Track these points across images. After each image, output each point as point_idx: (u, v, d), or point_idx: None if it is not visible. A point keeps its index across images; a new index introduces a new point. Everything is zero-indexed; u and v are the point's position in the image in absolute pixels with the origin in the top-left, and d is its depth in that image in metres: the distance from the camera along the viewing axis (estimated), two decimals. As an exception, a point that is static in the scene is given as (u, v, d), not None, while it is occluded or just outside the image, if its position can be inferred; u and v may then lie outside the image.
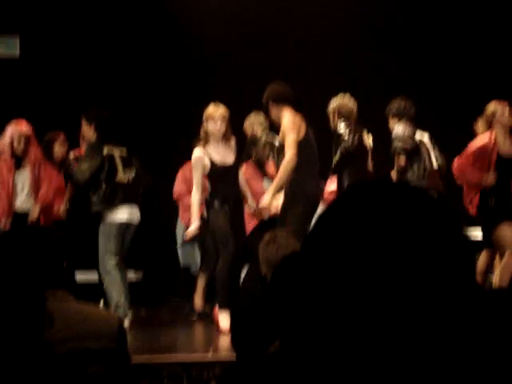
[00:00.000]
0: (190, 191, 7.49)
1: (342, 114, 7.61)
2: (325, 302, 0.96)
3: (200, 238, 7.62)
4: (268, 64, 9.55)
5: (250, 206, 7.60)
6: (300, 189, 6.81)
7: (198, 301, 7.74)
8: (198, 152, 7.22)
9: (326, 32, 9.91)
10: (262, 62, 9.61)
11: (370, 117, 7.84)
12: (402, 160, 7.47)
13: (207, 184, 7.26)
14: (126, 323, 6.71)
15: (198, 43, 9.87)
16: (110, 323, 2.95)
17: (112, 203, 7.27)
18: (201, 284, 7.75)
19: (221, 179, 7.17)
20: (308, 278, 0.98)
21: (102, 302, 7.61)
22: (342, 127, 7.53)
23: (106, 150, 7.37)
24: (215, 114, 7.18)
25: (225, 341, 6.40)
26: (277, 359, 1.02)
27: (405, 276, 0.95)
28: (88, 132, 7.51)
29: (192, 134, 7.55)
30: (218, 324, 7.02)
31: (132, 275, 8.89)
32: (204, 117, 7.21)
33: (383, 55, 9.88)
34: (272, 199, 6.86)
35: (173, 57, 10.07)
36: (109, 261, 7.24)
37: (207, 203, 7.27)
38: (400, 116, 7.64)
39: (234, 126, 7.52)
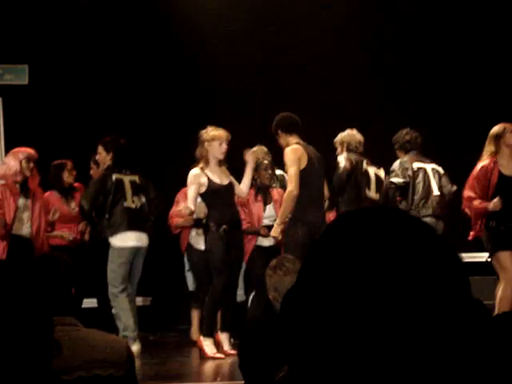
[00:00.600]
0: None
1: (350, 146, 7.84)
2: (325, 330, 0.96)
3: (195, 268, 7.66)
4: (269, 95, 9.63)
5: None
6: (300, 217, 7.03)
7: (195, 334, 7.80)
8: (195, 170, 7.26)
9: (334, 61, 9.97)
10: (261, 92, 9.69)
11: (381, 150, 7.96)
12: (392, 193, 7.66)
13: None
14: (135, 349, 6.71)
15: (206, 72, 9.95)
16: (118, 350, 2.95)
17: (119, 229, 7.29)
18: (196, 316, 7.83)
19: (218, 200, 7.21)
20: (305, 308, 0.98)
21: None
22: (342, 158, 7.74)
23: (114, 176, 7.41)
24: (222, 136, 7.22)
25: (233, 368, 6.38)
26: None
27: (401, 301, 0.95)
28: (105, 159, 7.59)
29: (190, 160, 7.58)
30: (203, 351, 7.12)
31: (140, 301, 8.88)
32: (205, 139, 7.21)
33: (392, 85, 9.94)
34: (280, 230, 7.15)
35: (179, 85, 10.13)
36: (117, 286, 7.25)
37: (204, 227, 7.30)
38: (406, 148, 7.73)
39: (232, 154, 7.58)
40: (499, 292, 6.71)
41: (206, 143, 7.21)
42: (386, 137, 8.03)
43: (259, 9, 10.17)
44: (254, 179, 7.90)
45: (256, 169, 7.80)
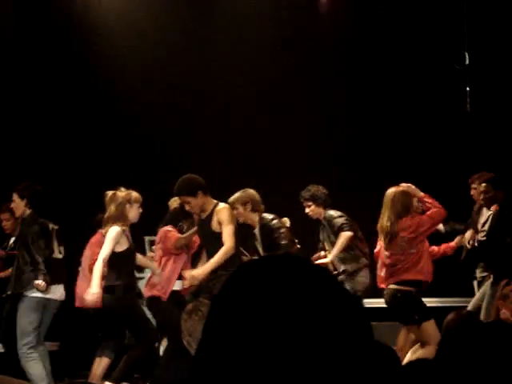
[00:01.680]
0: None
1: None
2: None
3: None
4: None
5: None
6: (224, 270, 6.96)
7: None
8: (118, 228, 7.18)
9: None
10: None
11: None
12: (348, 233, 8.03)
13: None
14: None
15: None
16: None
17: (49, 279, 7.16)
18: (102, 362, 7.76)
19: (128, 264, 7.26)
20: (213, 361, 0.99)
21: None
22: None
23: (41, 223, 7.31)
24: (140, 200, 7.26)
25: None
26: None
27: (299, 347, 0.96)
28: (19, 207, 7.39)
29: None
30: None
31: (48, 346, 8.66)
32: (124, 199, 7.16)
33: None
34: (202, 276, 7.02)
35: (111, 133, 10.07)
36: (29, 335, 7.08)
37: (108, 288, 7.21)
38: (325, 203, 8.21)
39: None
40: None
41: (124, 203, 7.19)
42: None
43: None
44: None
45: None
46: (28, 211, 7.36)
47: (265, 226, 7.85)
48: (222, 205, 7.14)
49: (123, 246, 7.11)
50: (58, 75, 10.09)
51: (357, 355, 0.97)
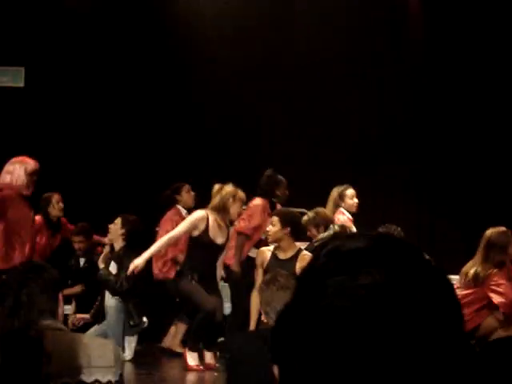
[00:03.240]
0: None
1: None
2: (315, 356, 0.94)
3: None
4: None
5: None
6: None
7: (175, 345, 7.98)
8: (203, 213, 7.21)
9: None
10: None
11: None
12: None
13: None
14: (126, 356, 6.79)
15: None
16: (105, 354, 2.90)
17: None
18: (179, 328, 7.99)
19: (203, 254, 7.19)
20: (297, 330, 0.96)
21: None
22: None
23: None
24: (244, 199, 7.32)
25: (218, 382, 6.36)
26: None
27: (392, 332, 0.93)
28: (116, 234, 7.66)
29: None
30: (187, 363, 7.15)
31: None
32: (229, 194, 7.18)
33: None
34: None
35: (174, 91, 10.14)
36: None
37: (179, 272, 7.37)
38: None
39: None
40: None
41: (228, 197, 7.21)
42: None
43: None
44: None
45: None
46: (122, 244, 7.57)
47: None
48: (305, 252, 6.86)
49: (200, 232, 7.15)
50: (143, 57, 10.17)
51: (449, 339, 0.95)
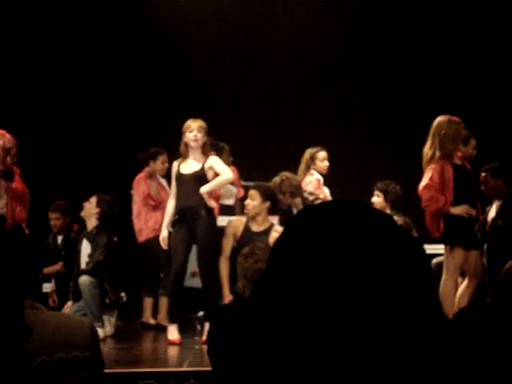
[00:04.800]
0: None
1: None
2: (289, 323, 0.96)
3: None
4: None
5: None
6: None
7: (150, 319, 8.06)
8: (174, 163, 7.23)
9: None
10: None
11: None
12: None
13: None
14: (102, 333, 6.76)
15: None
16: (82, 330, 2.91)
17: None
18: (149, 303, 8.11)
19: (179, 189, 7.09)
20: (272, 299, 0.98)
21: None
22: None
23: None
24: (193, 125, 7.11)
25: (200, 354, 6.38)
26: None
27: (364, 294, 0.95)
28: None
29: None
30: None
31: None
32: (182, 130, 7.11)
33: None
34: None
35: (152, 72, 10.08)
36: None
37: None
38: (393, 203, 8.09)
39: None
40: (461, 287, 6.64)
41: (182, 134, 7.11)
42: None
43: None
44: None
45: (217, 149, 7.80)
46: (95, 223, 7.54)
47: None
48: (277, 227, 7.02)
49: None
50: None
51: (419, 308, 0.97)
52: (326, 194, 8.44)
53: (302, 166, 8.32)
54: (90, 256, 7.39)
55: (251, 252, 4.01)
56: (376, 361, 0.94)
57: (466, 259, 6.50)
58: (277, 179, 7.60)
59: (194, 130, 7.06)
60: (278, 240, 1.03)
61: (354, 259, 0.95)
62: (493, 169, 7.52)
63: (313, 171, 8.37)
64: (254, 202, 6.77)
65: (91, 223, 7.58)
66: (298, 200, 7.66)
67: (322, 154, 8.42)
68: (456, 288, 6.58)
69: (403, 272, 0.96)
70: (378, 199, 8.01)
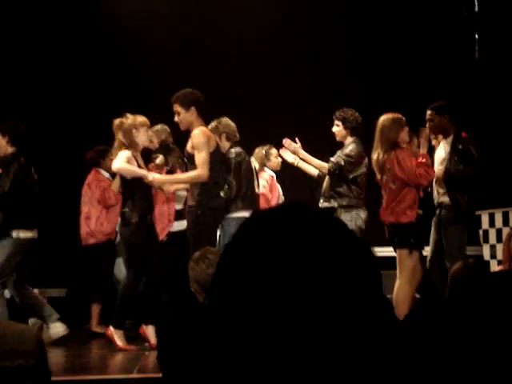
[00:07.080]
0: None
1: (229, 135, 7.66)
2: (241, 328, 0.98)
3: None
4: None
5: None
6: (205, 204, 6.94)
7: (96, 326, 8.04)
8: (128, 152, 6.92)
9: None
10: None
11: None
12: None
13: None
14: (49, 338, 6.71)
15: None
16: (28, 338, 2.84)
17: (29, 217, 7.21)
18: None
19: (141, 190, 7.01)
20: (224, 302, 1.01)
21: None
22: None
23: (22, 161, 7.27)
24: (146, 123, 7.00)
25: (150, 360, 6.31)
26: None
27: (313, 296, 0.97)
28: (1, 144, 7.33)
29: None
30: (115, 343, 6.98)
31: (55, 292, 8.76)
32: (131, 126, 6.90)
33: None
34: (160, 181, 7.04)
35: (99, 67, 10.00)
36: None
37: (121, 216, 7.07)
38: (353, 130, 7.67)
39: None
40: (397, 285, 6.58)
41: (131, 129, 6.90)
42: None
43: None
44: (166, 163, 7.80)
45: (169, 152, 7.74)
46: (10, 149, 7.33)
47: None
48: (199, 129, 6.93)
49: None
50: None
51: (366, 303, 0.98)
52: (279, 191, 8.53)
53: (256, 163, 8.22)
54: None
55: (203, 256, 3.96)
56: (324, 362, 0.96)
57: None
58: (213, 123, 7.56)
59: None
60: (228, 244, 1.05)
61: (301, 262, 0.97)
62: (438, 106, 7.55)
63: (266, 168, 8.49)
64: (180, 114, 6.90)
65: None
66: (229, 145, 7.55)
67: (275, 151, 8.45)
68: (412, 292, 6.59)
69: (349, 273, 0.99)
70: (337, 128, 7.61)
